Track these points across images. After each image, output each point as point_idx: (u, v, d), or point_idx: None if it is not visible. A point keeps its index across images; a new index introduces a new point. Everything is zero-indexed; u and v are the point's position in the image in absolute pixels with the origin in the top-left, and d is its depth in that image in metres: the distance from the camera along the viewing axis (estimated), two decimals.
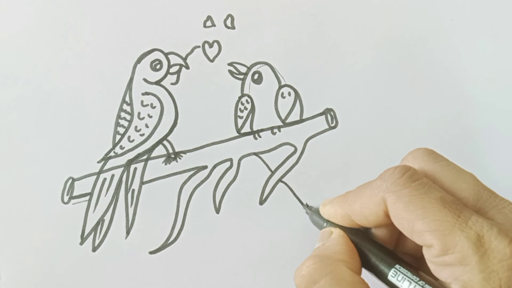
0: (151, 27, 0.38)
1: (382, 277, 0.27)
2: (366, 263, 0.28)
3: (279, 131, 0.38)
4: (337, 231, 0.29)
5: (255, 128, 0.38)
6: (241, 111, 0.38)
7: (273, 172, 0.37)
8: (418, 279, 0.25)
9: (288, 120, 0.38)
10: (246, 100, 0.38)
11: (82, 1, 0.39)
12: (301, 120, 0.38)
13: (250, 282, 0.36)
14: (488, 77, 0.40)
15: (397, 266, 0.26)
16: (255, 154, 0.37)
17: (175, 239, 0.36)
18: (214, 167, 0.37)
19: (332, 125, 0.38)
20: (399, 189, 0.25)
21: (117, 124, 0.37)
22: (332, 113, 0.38)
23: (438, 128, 0.39)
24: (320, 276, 0.26)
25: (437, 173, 0.26)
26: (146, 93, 0.38)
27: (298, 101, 0.38)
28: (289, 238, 0.36)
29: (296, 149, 0.38)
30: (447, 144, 0.38)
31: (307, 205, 0.36)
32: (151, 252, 0.36)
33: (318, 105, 0.39)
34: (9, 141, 0.36)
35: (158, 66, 0.38)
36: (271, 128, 0.38)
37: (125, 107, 0.37)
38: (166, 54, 0.38)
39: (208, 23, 0.39)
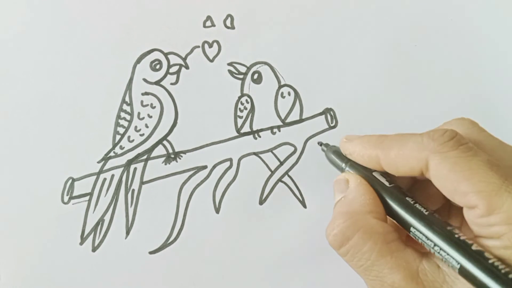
0: (151, 27, 0.39)
1: (405, 227, 0.27)
2: (387, 211, 0.28)
3: (279, 131, 0.38)
4: (354, 180, 0.29)
5: (254, 128, 0.38)
6: (241, 111, 0.38)
7: (273, 172, 0.37)
8: (433, 244, 0.25)
9: (288, 120, 0.38)
10: (246, 100, 0.38)
11: (82, 1, 0.39)
12: (301, 120, 0.38)
13: (250, 282, 0.36)
14: (488, 77, 0.40)
15: (412, 229, 0.26)
16: (255, 154, 0.37)
17: (175, 239, 0.36)
18: (214, 167, 0.37)
19: (332, 125, 0.38)
20: (447, 150, 0.25)
21: (117, 124, 0.37)
22: (331, 112, 0.38)
23: None
24: (353, 233, 0.26)
25: (480, 142, 0.26)
26: (146, 93, 0.38)
27: (297, 101, 0.38)
28: (289, 238, 0.36)
29: (296, 149, 0.38)
30: None
31: (322, 143, 0.35)
32: (151, 252, 0.36)
33: (317, 105, 0.39)
34: (9, 141, 0.36)
35: (158, 66, 0.38)
36: (271, 128, 0.38)
37: (125, 107, 0.37)
38: (165, 54, 0.38)
39: (208, 23, 0.39)
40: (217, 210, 0.37)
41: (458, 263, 0.23)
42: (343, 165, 0.31)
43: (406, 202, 0.27)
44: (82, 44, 0.38)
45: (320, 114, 0.38)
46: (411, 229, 0.26)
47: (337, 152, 0.32)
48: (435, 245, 0.25)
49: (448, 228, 0.25)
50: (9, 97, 0.37)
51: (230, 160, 0.37)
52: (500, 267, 0.22)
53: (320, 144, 0.35)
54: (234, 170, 0.37)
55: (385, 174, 0.29)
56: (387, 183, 0.28)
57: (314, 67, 0.39)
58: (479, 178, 0.23)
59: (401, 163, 0.27)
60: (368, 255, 0.26)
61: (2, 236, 0.35)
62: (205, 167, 0.37)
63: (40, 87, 0.37)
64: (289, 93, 0.38)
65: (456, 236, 0.24)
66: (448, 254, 0.24)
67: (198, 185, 0.37)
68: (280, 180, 0.37)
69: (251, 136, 0.38)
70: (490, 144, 0.26)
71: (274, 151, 0.38)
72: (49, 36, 0.38)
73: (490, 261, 0.23)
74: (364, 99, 0.39)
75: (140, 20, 0.39)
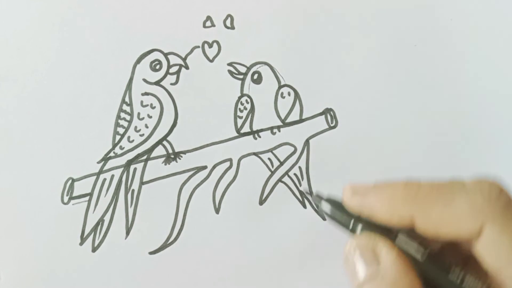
0: (151, 27, 0.39)
1: None
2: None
3: (279, 131, 0.38)
4: (388, 253, 0.21)
5: (254, 128, 0.38)
6: (241, 111, 0.38)
7: (272, 172, 0.37)
8: None
9: (287, 120, 0.38)
10: (246, 100, 0.38)
11: (82, 1, 0.39)
12: (301, 120, 0.38)
13: (250, 282, 0.36)
14: (488, 77, 0.40)
15: None
16: (255, 154, 0.37)
17: (175, 239, 0.36)
18: (214, 167, 0.37)
19: (332, 125, 0.38)
20: (510, 217, 0.20)
21: (117, 125, 0.37)
22: (332, 113, 0.38)
23: (438, 128, 0.39)
24: None
25: None
26: (146, 94, 0.38)
27: (297, 101, 0.38)
28: (289, 238, 0.36)
29: (295, 149, 0.38)
30: (447, 143, 0.38)
31: (318, 196, 0.24)
32: (151, 252, 0.36)
33: (317, 105, 0.39)
34: (9, 141, 0.36)
35: (157, 67, 0.38)
36: (271, 128, 0.38)
37: (124, 107, 0.37)
38: (165, 54, 0.38)
39: (208, 23, 0.39)
40: (217, 210, 0.37)
41: None
42: (354, 225, 0.23)
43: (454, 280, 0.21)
44: (82, 44, 0.38)
45: (320, 114, 0.38)
46: None
47: (339, 206, 0.23)
48: None
49: None
50: (9, 97, 0.37)
51: (230, 160, 0.37)
52: None
53: (307, 192, 0.29)
54: (234, 170, 0.37)
55: (410, 234, 0.22)
56: (421, 249, 0.22)
57: (314, 67, 0.39)
58: None
59: (448, 226, 0.21)
60: None
61: (2, 236, 0.35)
62: (205, 167, 0.37)
63: (40, 87, 0.37)
64: (289, 93, 0.38)
65: None
66: None
67: (198, 185, 0.37)
68: (280, 180, 0.37)
69: (251, 136, 0.38)
70: None
71: (274, 151, 0.38)
72: (49, 36, 0.38)
73: None
74: (364, 99, 0.39)
75: (140, 20, 0.39)
